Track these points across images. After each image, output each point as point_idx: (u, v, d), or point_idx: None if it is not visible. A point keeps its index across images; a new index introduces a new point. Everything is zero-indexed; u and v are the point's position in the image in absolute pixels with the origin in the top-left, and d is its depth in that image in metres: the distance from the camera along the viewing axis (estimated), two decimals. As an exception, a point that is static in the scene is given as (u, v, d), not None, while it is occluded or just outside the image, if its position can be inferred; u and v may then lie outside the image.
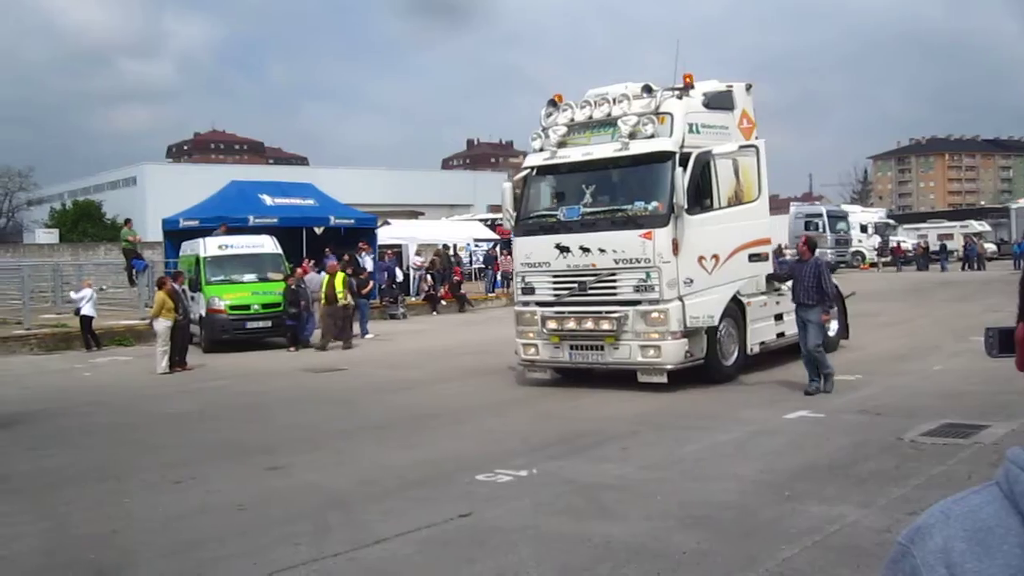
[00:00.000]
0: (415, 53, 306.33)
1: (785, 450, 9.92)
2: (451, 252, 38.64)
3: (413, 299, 33.30)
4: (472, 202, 79.42)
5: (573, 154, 14.63)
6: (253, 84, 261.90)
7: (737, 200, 14.98)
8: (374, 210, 39.11)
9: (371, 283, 27.04)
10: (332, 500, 8.60)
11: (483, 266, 41.06)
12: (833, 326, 16.65)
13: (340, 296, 22.52)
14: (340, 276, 22.91)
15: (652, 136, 13.86)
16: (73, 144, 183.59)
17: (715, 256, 14.10)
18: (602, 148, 14.31)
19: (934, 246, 57.54)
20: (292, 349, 22.33)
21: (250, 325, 23.00)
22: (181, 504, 8.67)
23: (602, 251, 13.92)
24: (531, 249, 14.81)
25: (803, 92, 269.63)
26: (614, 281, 13.95)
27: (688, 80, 14.61)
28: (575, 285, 14.29)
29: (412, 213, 56.67)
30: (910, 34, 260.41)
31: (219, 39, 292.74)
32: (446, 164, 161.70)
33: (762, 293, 15.38)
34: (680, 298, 13.55)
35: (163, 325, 18.72)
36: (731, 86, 15.67)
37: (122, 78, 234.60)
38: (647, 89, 14.30)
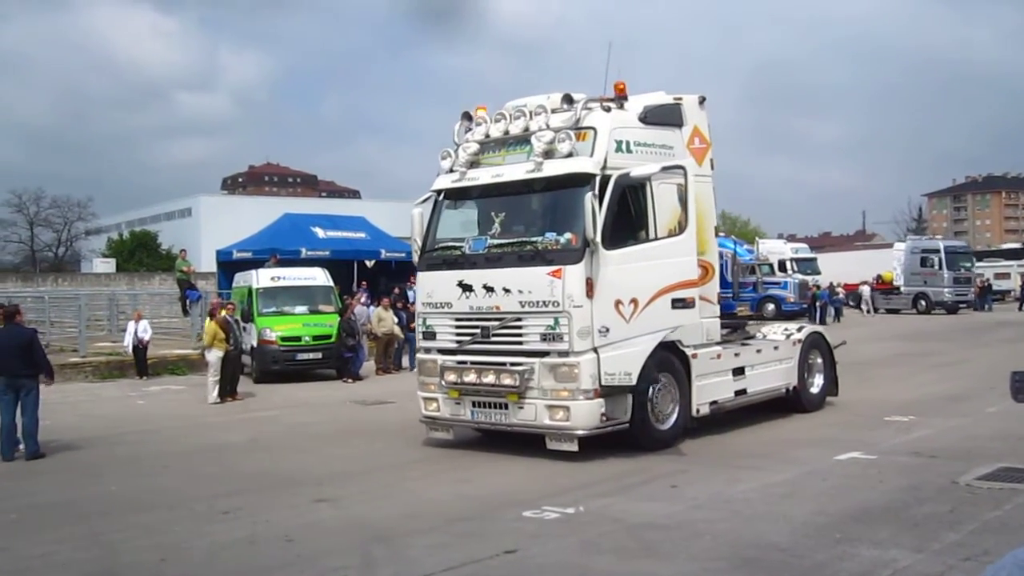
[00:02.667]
0: (468, 87, 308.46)
1: (837, 492, 9.77)
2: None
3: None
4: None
5: (483, 176, 12.54)
6: (307, 118, 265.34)
7: (678, 233, 12.71)
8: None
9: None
10: (378, 533, 8.61)
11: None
12: (817, 382, 15.65)
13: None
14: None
15: (570, 155, 11.74)
16: (131, 175, 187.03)
17: (634, 301, 11.78)
18: (514, 169, 12.23)
19: (997, 284, 56.08)
20: (348, 381, 22.44)
21: (300, 356, 23.20)
22: (229, 534, 8.74)
23: (507, 291, 11.79)
24: (433, 286, 12.72)
25: (856, 128, 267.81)
26: (520, 328, 11.79)
27: (620, 90, 12.53)
28: (477, 331, 12.18)
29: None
30: (966, 72, 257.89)
31: (274, 73, 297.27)
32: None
33: (715, 343, 13.44)
34: (595, 350, 11.40)
35: (215, 355, 18.95)
36: (680, 99, 13.46)
37: (179, 111, 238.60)
38: (567, 99, 12.21)
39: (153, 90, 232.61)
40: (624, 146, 12.12)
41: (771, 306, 45.11)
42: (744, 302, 44.44)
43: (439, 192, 13.12)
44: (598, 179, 11.53)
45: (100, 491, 10.87)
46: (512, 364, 11.72)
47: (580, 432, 11.39)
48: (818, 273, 49.11)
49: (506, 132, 12.52)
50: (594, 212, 11.18)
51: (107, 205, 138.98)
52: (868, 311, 48.89)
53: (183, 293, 30.73)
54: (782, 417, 14.41)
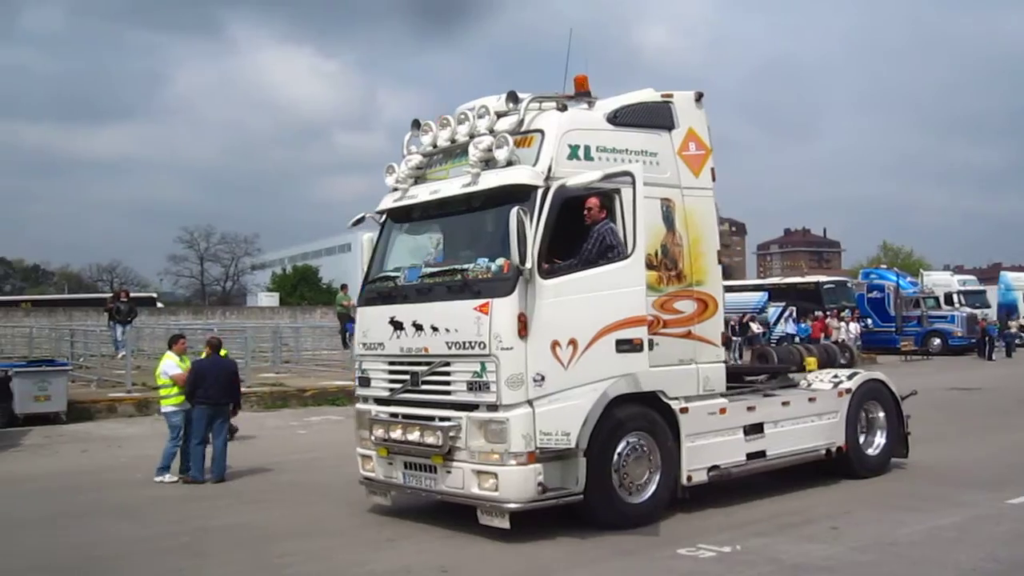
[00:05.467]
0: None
1: (1010, 537, 9.33)
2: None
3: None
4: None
5: (422, 193, 10.85)
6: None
7: (670, 264, 10.76)
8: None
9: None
10: (534, 566, 8.61)
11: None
12: (877, 441, 13.05)
13: None
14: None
15: (510, 164, 9.90)
16: (293, 211, 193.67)
17: (572, 342, 9.49)
18: (453, 183, 10.50)
19: None
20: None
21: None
22: (388, 562, 8.95)
23: (435, 330, 9.91)
24: (368, 324, 10.91)
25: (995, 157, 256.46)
26: (448, 374, 9.87)
27: (581, 84, 10.72)
28: (407, 377, 10.36)
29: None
30: None
31: (425, 110, 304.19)
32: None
33: (718, 394, 11.12)
34: (530, 403, 9.33)
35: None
36: (670, 96, 11.19)
37: (338, 150, 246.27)
38: (512, 98, 10.33)
39: (313, 129, 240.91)
40: (581, 152, 10.09)
41: (937, 341, 43.51)
42: (908, 336, 43.06)
43: (383, 214, 11.50)
44: (539, 193, 9.60)
45: (263, 517, 11.25)
46: (440, 419, 9.83)
47: (511, 506, 9.30)
48: (988, 306, 47.08)
49: (452, 140, 10.73)
50: (521, 232, 9.11)
51: (271, 240, 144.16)
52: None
53: (343, 326, 31.56)
54: (950, 457, 13.76)
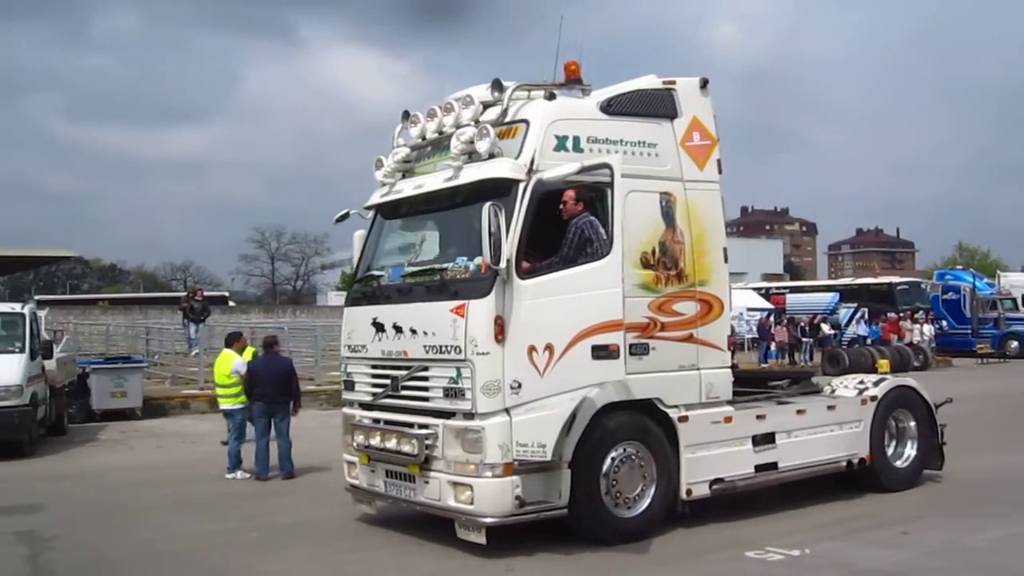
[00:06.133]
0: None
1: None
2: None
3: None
4: (745, 270, 78.03)
5: (407, 187, 10.34)
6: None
7: (670, 263, 10.00)
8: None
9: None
10: (598, 570, 8.60)
11: (756, 336, 40.19)
12: (908, 452, 12.18)
13: None
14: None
15: (492, 156, 9.33)
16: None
17: (548, 347, 8.91)
18: (437, 177, 9.96)
19: None
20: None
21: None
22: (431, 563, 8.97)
23: (413, 332, 9.44)
24: (353, 325, 10.50)
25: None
26: (426, 379, 9.37)
27: (572, 72, 10.06)
28: (388, 382, 9.93)
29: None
30: None
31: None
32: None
33: (724, 402, 10.36)
34: (507, 411, 8.79)
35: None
36: (672, 83, 10.42)
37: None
38: (497, 86, 9.82)
39: (382, 129, 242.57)
40: (569, 143, 9.44)
41: (1015, 343, 42.51)
42: (984, 339, 42.11)
43: (373, 209, 11.05)
44: (521, 186, 9.06)
45: (328, 514, 11.33)
46: (419, 426, 9.35)
47: (488, 520, 8.78)
48: (1068, 309, 45.79)
49: (440, 132, 10.14)
50: (495, 229, 8.58)
51: (341, 240, 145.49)
52: None
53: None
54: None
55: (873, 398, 11.78)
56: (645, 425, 9.57)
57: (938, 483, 12.15)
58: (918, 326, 40.22)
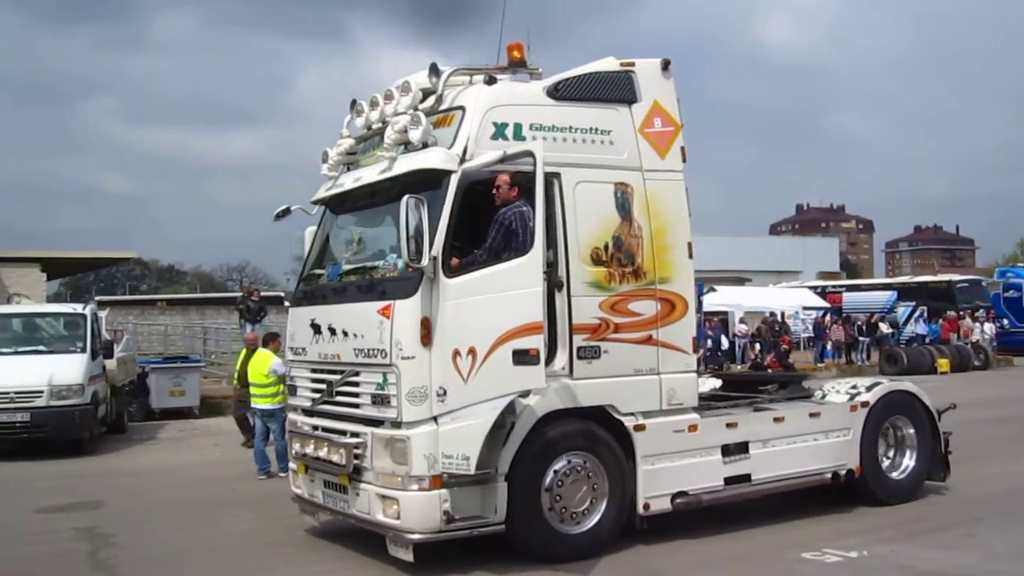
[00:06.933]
0: (743, 116, 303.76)
1: None
2: (778, 320, 37.83)
3: (738, 367, 32.75)
4: (801, 268, 77.22)
5: (347, 181, 9.75)
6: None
7: (625, 259, 9.17)
8: (700, 276, 38.97)
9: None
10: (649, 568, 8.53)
11: (812, 335, 39.79)
12: (906, 463, 11.25)
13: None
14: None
15: (426, 146, 8.68)
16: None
17: (471, 351, 8.04)
18: (374, 170, 9.29)
19: None
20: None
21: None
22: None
23: (345, 335, 8.84)
24: (295, 327, 9.92)
25: None
26: (356, 384, 8.81)
27: (516, 56, 9.26)
28: (324, 386, 9.34)
29: (739, 279, 55.92)
30: None
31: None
32: (774, 229, 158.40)
33: (689, 408, 9.51)
34: (435, 419, 8.14)
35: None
36: (631, 64, 9.56)
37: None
38: (435, 72, 9.06)
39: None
40: (509, 131, 8.69)
41: (1080, 344, 41.72)
42: (1048, 339, 41.37)
43: (315, 203, 10.52)
44: (454, 178, 8.39)
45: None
46: (351, 434, 8.73)
47: (415, 536, 8.13)
48: None
49: (383, 121, 9.37)
50: (415, 224, 7.91)
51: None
52: None
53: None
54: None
55: (864, 404, 10.85)
56: (594, 434, 8.83)
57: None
58: (979, 325, 39.62)
